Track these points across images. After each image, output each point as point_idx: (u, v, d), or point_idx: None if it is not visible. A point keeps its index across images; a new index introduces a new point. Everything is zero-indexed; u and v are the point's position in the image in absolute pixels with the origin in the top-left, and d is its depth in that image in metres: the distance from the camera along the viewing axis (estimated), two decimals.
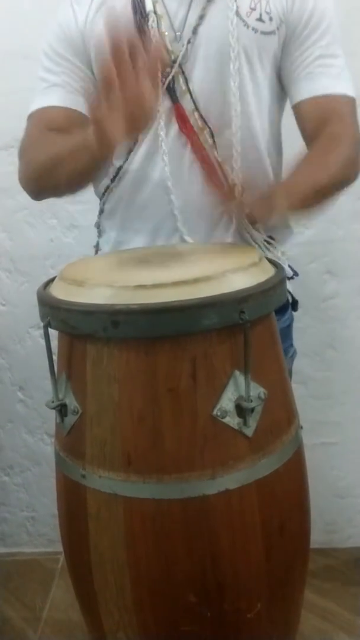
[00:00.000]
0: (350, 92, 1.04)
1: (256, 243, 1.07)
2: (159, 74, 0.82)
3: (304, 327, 1.61)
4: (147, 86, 0.78)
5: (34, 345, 1.75)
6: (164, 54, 0.90)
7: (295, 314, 1.18)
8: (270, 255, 1.05)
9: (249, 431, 0.80)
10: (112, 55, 0.77)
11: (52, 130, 1.04)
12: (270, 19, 1.00)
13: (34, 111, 1.09)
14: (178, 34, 1.00)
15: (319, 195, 0.97)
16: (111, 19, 0.81)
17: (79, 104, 1.06)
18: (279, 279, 0.83)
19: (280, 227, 1.10)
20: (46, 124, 1.06)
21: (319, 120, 1.02)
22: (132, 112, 0.79)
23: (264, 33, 1.00)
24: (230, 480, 0.80)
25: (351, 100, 1.04)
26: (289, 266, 1.13)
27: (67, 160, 0.93)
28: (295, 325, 1.20)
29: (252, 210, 0.96)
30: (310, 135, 1.05)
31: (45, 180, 1.01)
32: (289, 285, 1.12)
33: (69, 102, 1.06)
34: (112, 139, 0.82)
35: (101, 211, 1.15)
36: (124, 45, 0.77)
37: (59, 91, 1.07)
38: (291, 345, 1.18)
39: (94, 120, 0.82)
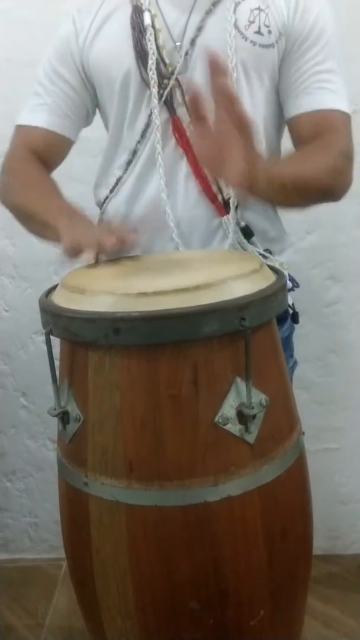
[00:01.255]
0: (345, 108, 1.04)
1: None
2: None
3: (306, 332, 1.62)
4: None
5: (37, 351, 1.75)
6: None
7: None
8: None
9: (251, 438, 0.80)
10: None
11: (33, 155, 1.10)
12: (269, 32, 1.00)
13: (20, 125, 1.13)
14: (178, 44, 1.01)
15: (298, 186, 0.94)
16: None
17: (63, 128, 1.11)
18: (280, 286, 0.83)
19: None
20: (29, 144, 1.11)
21: (313, 133, 1.02)
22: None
23: (262, 46, 1.00)
24: (233, 486, 0.80)
25: (346, 117, 1.04)
26: (290, 278, 1.12)
27: (37, 224, 1.01)
28: (297, 331, 1.20)
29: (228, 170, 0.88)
30: (302, 145, 1.04)
31: (18, 220, 1.08)
32: (290, 297, 1.11)
33: (53, 124, 1.10)
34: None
35: (100, 221, 1.16)
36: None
37: (47, 112, 1.10)
38: (291, 356, 1.18)
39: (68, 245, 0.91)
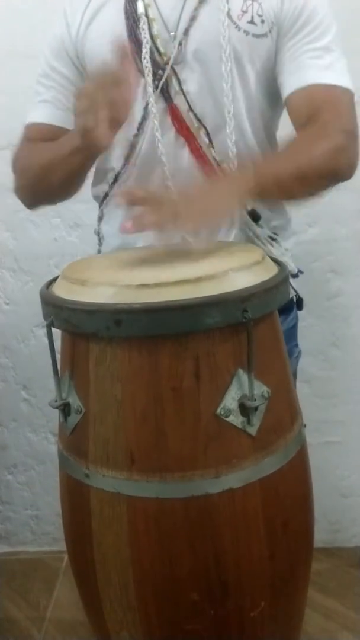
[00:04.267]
0: (345, 83, 0.99)
1: (259, 240, 1.06)
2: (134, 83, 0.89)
3: (308, 326, 1.61)
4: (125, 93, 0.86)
5: (38, 344, 1.75)
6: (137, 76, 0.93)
7: (299, 313, 1.18)
8: (274, 252, 1.05)
9: (253, 430, 0.80)
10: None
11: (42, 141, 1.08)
12: (262, 21, 0.99)
13: (27, 124, 1.13)
14: (172, 34, 1.00)
15: (300, 182, 0.92)
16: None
17: (67, 122, 1.08)
18: (282, 278, 0.83)
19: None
20: (36, 138, 1.10)
21: (310, 110, 0.98)
22: (112, 115, 0.86)
23: (255, 35, 0.99)
24: (234, 479, 0.80)
25: (346, 92, 1.00)
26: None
27: (59, 165, 0.98)
28: (299, 324, 1.20)
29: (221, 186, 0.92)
30: (301, 127, 1.00)
31: (40, 186, 1.05)
32: (294, 283, 1.11)
33: (56, 119, 1.10)
34: (100, 144, 0.88)
35: (100, 217, 1.16)
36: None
37: (49, 108, 1.10)
38: (296, 345, 1.17)
39: (80, 129, 0.87)
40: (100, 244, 1.18)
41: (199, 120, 1.02)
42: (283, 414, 0.86)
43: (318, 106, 0.98)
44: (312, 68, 0.99)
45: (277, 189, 0.92)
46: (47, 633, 1.55)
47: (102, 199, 1.14)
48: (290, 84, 1.01)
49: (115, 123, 0.88)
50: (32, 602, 1.67)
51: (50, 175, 1.00)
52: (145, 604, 0.86)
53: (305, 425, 0.94)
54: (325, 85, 0.99)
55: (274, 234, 1.08)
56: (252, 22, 0.99)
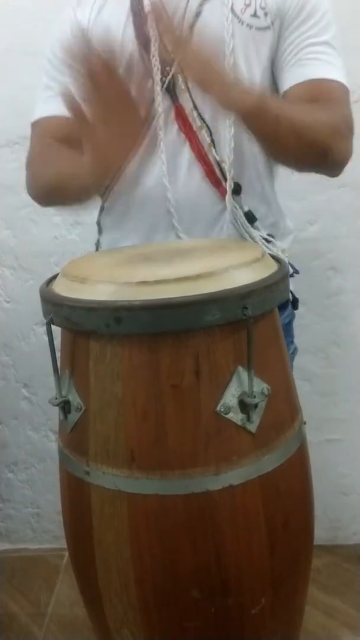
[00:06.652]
0: (341, 79, 1.00)
1: (254, 241, 1.07)
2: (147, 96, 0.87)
3: (308, 323, 1.62)
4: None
5: (38, 342, 1.75)
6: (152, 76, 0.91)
7: (299, 310, 1.18)
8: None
9: (253, 427, 0.80)
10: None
11: (55, 141, 1.06)
12: (265, 14, 1.00)
13: (37, 120, 1.11)
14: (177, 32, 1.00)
15: (294, 135, 0.91)
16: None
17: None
18: (282, 275, 0.83)
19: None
20: (49, 134, 1.08)
21: (308, 100, 0.98)
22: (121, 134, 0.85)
23: (259, 29, 1.00)
24: (234, 476, 0.80)
25: (342, 86, 1.01)
26: (290, 264, 1.12)
27: (71, 180, 0.96)
28: (299, 322, 1.20)
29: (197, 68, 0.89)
30: None
31: (54, 196, 1.04)
32: (290, 283, 1.11)
33: None
34: (111, 163, 0.88)
35: (102, 209, 1.16)
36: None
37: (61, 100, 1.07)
38: (292, 342, 1.18)
39: (90, 147, 0.86)
40: (100, 233, 1.19)
41: (202, 118, 1.02)
42: (283, 411, 0.86)
43: (316, 97, 0.98)
44: (312, 64, 1.00)
45: (273, 123, 0.90)
46: (48, 630, 1.56)
47: (104, 192, 1.14)
48: (289, 78, 1.02)
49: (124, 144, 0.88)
50: (33, 599, 1.68)
51: (63, 188, 0.99)
52: (145, 601, 0.86)
53: (305, 423, 0.94)
54: (323, 80, 1.00)
55: (269, 235, 1.09)
56: (255, 15, 0.99)
